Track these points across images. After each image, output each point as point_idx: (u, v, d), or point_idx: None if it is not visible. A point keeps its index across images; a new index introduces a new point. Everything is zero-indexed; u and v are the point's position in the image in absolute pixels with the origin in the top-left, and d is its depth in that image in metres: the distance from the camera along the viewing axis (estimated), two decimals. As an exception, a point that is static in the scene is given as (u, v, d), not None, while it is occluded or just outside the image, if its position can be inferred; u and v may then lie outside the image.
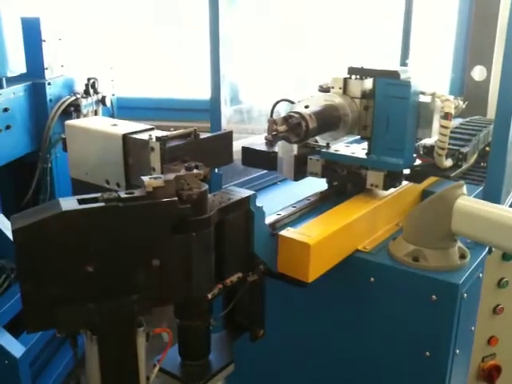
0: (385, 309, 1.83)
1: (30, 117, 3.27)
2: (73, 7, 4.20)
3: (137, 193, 1.30)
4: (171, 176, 1.35)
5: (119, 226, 1.26)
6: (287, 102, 2.19)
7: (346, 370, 1.96)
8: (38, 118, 3.33)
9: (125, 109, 4.43)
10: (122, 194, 1.29)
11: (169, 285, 1.35)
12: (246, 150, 2.25)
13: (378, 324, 1.85)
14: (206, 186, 1.38)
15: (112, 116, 4.16)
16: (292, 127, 1.78)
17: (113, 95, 4.18)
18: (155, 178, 1.32)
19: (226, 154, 1.69)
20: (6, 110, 2.98)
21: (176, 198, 1.31)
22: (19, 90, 3.17)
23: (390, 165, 1.92)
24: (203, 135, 1.61)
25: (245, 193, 1.56)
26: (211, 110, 2.39)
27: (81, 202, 1.27)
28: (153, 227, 1.29)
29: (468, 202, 1.71)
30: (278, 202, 2.18)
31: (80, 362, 1.43)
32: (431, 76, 3.71)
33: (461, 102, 2.02)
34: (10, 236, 2.33)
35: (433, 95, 1.88)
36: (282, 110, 2.42)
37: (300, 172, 2.11)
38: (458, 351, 1.80)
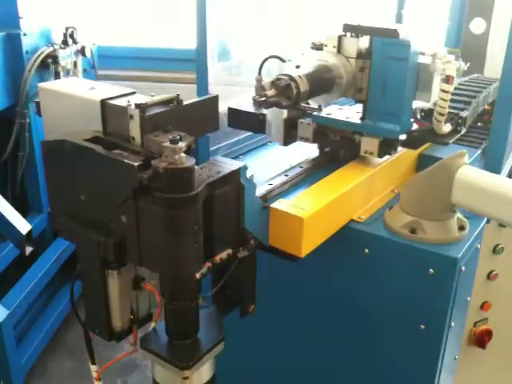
0: (379, 281, 1.77)
1: (5, 70, 3.07)
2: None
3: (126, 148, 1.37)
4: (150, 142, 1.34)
5: (96, 169, 1.37)
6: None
7: (340, 344, 1.92)
8: (14, 72, 3.14)
9: (106, 58, 4.24)
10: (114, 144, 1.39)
11: (147, 250, 1.35)
12: (232, 112, 2.12)
13: (372, 297, 1.79)
14: (188, 163, 1.27)
15: (93, 67, 3.97)
16: (281, 90, 1.66)
17: (93, 44, 3.97)
18: None
19: (211, 120, 1.57)
20: (-22, 64, 2.81)
21: (135, 163, 1.28)
22: (-8, 42, 2.98)
23: (386, 131, 1.81)
24: (187, 101, 1.48)
25: (234, 164, 1.46)
26: (197, 59, 2.25)
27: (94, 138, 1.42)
28: (117, 182, 1.33)
29: (470, 172, 1.63)
30: (268, 165, 2.09)
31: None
32: (426, 28, 3.56)
33: (462, 64, 1.90)
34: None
35: (433, 56, 1.76)
36: (274, 68, 2.28)
37: (290, 136, 2.00)
38: (453, 324, 1.76)
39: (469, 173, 1.62)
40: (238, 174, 1.45)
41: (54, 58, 3.32)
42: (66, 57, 3.44)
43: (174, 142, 1.27)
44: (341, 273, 1.83)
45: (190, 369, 1.45)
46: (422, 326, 1.73)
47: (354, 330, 1.86)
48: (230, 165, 1.45)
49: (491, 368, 2.40)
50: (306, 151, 2.05)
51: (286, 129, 2.00)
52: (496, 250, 2.14)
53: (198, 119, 1.53)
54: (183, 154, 1.28)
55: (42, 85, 1.61)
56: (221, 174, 1.40)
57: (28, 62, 3.17)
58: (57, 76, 3.37)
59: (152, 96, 1.48)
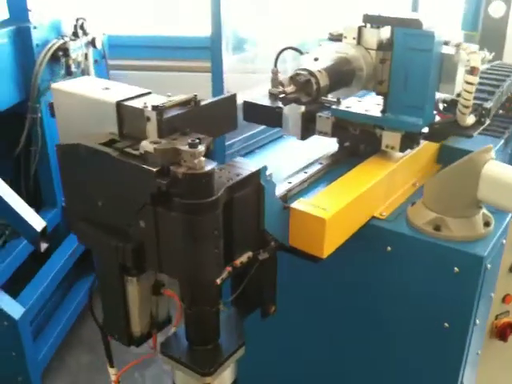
0: (402, 280, 1.73)
1: (15, 64, 3.03)
2: None
3: (138, 152, 1.29)
4: (165, 145, 1.26)
5: (112, 174, 1.32)
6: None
7: (362, 344, 1.88)
8: (25, 66, 3.09)
9: (117, 47, 4.19)
10: (128, 148, 1.33)
11: (166, 256, 1.32)
12: (247, 105, 2.08)
13: (395, 295, 1.75)
14: (207, 167, 1.23)
15: (103, 57, 3.93)
16: (301, 86, 1.61)
17: (103, 34, 3.92)
18: (155, 143, 1.27)
19: (229, 120, 1.52)
20: (-13, 58, 2.77)
21: (153, 169, 1.23)
22: (2, 35, 2.92)
23: (408, 124, 1.76)
24: (204, 101, 1.43)
25: (254, 166, 1.41)
26: (212, 47, 2.20)
27: (109, 142, 1.38)
28: (134, 188, 1.28)
29: (497, 167, 1.57)
30: (285, 160, 2.05)
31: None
32: (442, 12, 3.48)
33: (487, 54, 1.83)
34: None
35: (457, 46, 1.70)
36: (290, 59, 2.23)
37: (307, 131, 1.95)
38: (478, 321, 1.72)
39: (496, 168, 1.57)
40: (257, 175, 1.41)
41: (64, 50, 3.27)
42: (76, 49, 3.39)
43: (193, 146, 1.23)
44: (363, 271, 1.79)
45: (211, 375, 1.42)
46: (446, 325, 1.69)
47: (376, 329, 1.83)
48: (249, 166, 1.41)
49: (513, 361, 2.35)
50: (323, 144, 2.00)
51: (304, 123, 1.95)
52: (520, 243, 2.09)
53: (216, 119, 1.48)
54: (202, 158, 1.24)
55: (56, 85, 1.57)
56: (240, 177, 1.36)
57: (38, 56, 3.13)
58: (68, 69, 3.33)
59: (168, 96, 1.44)
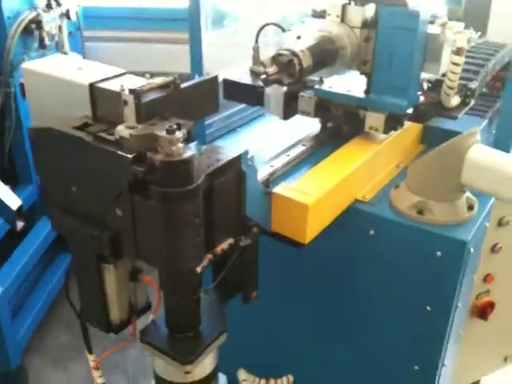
0: (384, 264, 1.71)
1: (-15, 38, 2.93)
2: None
3: (113, 137, 1.25)
4: (142, 130, 1.21)
5: (88, 160, 1.27)
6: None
7: (343, 328, 1.88)
8: (-4, 39, 2.99)
9: (92, 19, 4.06)
10: (101, 132, 1.29)
11: (144, 244, 1.28)
12: (228, 83, 2.02)
13: (377, 280, 1.74)
14: (186, 154, 1.19)
15: (78, 29, 3.81)
16: (283, 67, 1.56)
17: (78, 6, 3.79)
18: (130, 128, 1.23)
19: (211, 102, 1.48)
20: (-44, 32, 2.65)
21: (129, 156, 1.18)
22: (-30, 7, 2.81)
23: (392, 105, 1.72)
24: (184, 84, 1.38)
25: (234, 151, 1.37)
26: (190, 20, 2.10)
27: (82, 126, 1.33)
28: (110, 175, 1.24)
29: (482, 151, 1.55)
30: (267, 140, 2.01)
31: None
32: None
33: (473, 33, 1.79)
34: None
35: (443, 26, 1.66)
36: (271, 34, 2.16)
37: (290, 110, 1.90)
38: (460, 305, 1.72)
39: (480, 152, 1.55)
40: (238, 160, 1.37)
41: (37, 22, 3.16)
42: (50, 21, 3.28)
43: (170, 132, 1.18)
44: (345, 255, 1.77)
45: (191, 363, 1.40)
46: (429, 308, 1.69)
47: (359, 313, 1.82)
48: (230, 151, 1.37)
49: (493, 339, 2.38)
50: (306, 122, 1.96)
51: (286, 102, 1.90)
52: (501, 223, 2.08)
53: (197, 102, 1.43)
54: (181, 145, 1.19)
55: (26, 65, 1.50)
56: (221, 163, 1.32)
57: (10, 29, 3.02)
58: (41, 42, 3.22)
59: (147, 78, 1.38)
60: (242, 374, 2.21)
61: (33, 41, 3.18)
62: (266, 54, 1.93)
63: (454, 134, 1.89)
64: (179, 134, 1.19)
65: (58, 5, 3.37)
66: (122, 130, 1.24)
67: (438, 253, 1.59)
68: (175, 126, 1.19)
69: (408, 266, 1.67)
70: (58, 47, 3.45)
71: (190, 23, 2.11)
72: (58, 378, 3.24)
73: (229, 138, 2.14)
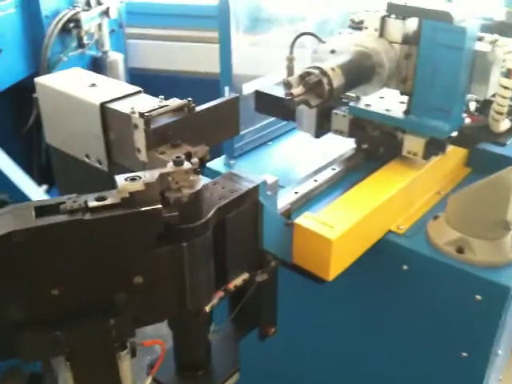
0: (417, 302, 1.57)
1: (24, 37, 2.90)
2: None
3: (110, 199, 1.02)
4: (154, 175, 1.06)
5: (87, 242, 1.01)
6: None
7: (371, 371, 1.74)
8: (34, 38, 2.96)
9: (136, 15, 4.00)
10: (91, 202, 1.01)
11: (157, 301, 1.12)
12: (259, 95, 1.91)
13: (409, 319, 1.60)
14: (199, 184, 1.09)
15: (121, 27, 3.76)
16: (311, 87, 1.43)
17: (121, 2, 3.73)
18: (132, 180, 1.03)
19: (231, 125, 1.37)
20: (-7, 31, 2.63)
21: (160, 206, 1.02)
22: (8, 6, 2.77)
23: (433, 129, 1.57)
24: (200, 107, 1.27)
25: (252, 181, 1.25)
26: (219, 14, 1.97)
27: (39, 212, 1.00)
28: (131, 241, 1.03)
29: (531, 187, 1.38)
30: (298, 157, 1.89)
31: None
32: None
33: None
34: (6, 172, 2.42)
35: (493, 43, 1.49)
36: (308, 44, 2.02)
37: (322, 128, 1.78)
38: (500, 352, 1.56)
39: (530, 188, 1.38)
40: (256, 191, 1.25)
41: (76, 21, 3.12)
42: (89, 20, 3.23)
43: (178, 163, 1.08)
44: (374, 291, 1.63)
45: (200, 406, 1.31)
46: (464, 354, 1.54)
47: (387, 355, 1.68)
48: (247, 181, 1.25)
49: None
50: (340, 139, 1.82)
51: (319, 119, 1.78)
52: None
53: (215, 125, 1.32)
54: (192, 178, 1.08)
55: (39, 79, 1.43)
56: (235, 195, 1.20)
57: (48, 28, 2.98)
58: (80, 41, 3.18)
59: (161, 100, 1.28)
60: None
61: (71, 40, 3.15)
62: (301, 65, 1.80)
63: (503, 159, 1.73)
64: (187, 166, 1.08)
65: (99, 3, 3.32)
66: (128, 186, 1.01)
67: (478, 296, 1.44)
68: (182, 157, 1.09)
69: (443, 308, 1.53)
70: (98, 46, 3.40)
71: (218, 22, 1.98)
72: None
73: (258, 153, 2.03)
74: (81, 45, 3.20)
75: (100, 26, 3.36)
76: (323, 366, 1.84)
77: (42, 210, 1.01)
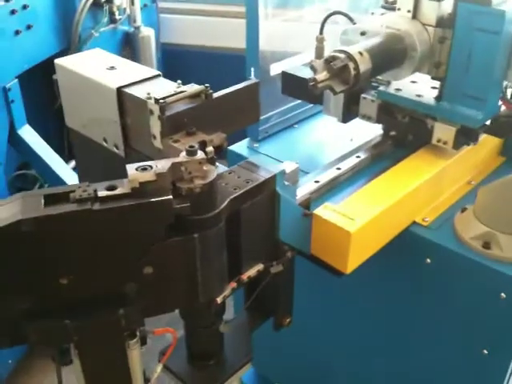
0: (439, 296, 1.51)
1: (54, 12, 2.87)
2: None
3: (120, 189, 1.01)
4: (165, 165, 1.03)
5: (96, 232, 0.99)
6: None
7: (390, 365, 1.70)
8: (65, 13, 2.93)
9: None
10: (101, 191, 0.99)
11: (168, 292, 1.11)
12: (286, 76, 1.85)
13: (429, 313, 1.55)
14: (213, 174, 1.05)
15: (153, 1, 3.71)
16: (335, 72, 1.37)
17: (153, -22, 3.69)
18: (143, 169, 1.01)
19: (251, 112, 1.32)
20: (24, 7, 2.60)
21: (170, 197, 1.00)
22: (39, -19, 2.76)
23: (466, 118, 1.49)
24: (218, 93, 1.23)
25: (269, 171, 1.21)
26: None
27: (48, 201, 0.98)
28: (140, 231, 1.02)
29: None
30: (323, 141, 1.83)
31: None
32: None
33: None
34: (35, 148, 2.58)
35: (534, 27, 1.40)
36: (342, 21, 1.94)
37: (350, 113, 1.72)
38: (524, 351, 1.50)
39: None
40: (272, 182, 1.21)
41: (108, -4, 3.09)
42: (121, -6, 3.20)
43: (191, 153, 1.04)
44: (394, 283, 1.58)
45: (211, 395, 1.29)
46: (485, 352, 1.48)
47: (408, 350, 1.63)
48: (263, 171, 1.21)
49: None
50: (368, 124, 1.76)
51: (346, 103, 1.72)
52: None
53: (233, 112, 1.28)
54: (205, 168, 1.05)
55: (59, 61, 1.42)
56: (250, 185, 1.17)
57: (79, 2, 2.96)
58: (112, 16, 3.15)
59: (178, 85, 1.25)
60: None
61: (103, 15, 3.12)
62: (333, 43, 1.74)
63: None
64: (200, 156, 1.05)
65: (131, -23, 3.28)
66: (139, 176, 0.99)
67: (503, 294, 1.38)
68: (196, 146, 1.05)
69: (465, 304, 1.47)
70: (130, 21, 3.37)
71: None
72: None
73: (284, 136, 1.98)
74: (112, 20, 3.17)
75: (132, 1, 3.32)
76: (339, 358, 1.81)
77: (51, 198, 0.99)
